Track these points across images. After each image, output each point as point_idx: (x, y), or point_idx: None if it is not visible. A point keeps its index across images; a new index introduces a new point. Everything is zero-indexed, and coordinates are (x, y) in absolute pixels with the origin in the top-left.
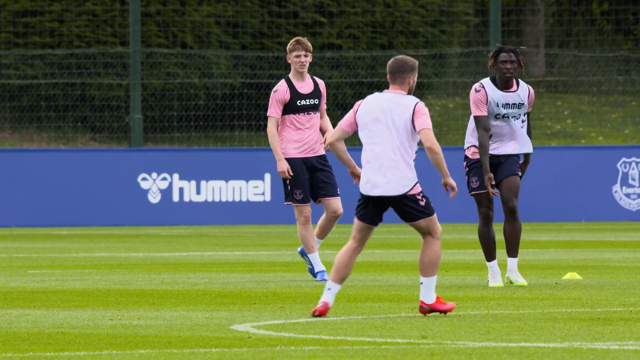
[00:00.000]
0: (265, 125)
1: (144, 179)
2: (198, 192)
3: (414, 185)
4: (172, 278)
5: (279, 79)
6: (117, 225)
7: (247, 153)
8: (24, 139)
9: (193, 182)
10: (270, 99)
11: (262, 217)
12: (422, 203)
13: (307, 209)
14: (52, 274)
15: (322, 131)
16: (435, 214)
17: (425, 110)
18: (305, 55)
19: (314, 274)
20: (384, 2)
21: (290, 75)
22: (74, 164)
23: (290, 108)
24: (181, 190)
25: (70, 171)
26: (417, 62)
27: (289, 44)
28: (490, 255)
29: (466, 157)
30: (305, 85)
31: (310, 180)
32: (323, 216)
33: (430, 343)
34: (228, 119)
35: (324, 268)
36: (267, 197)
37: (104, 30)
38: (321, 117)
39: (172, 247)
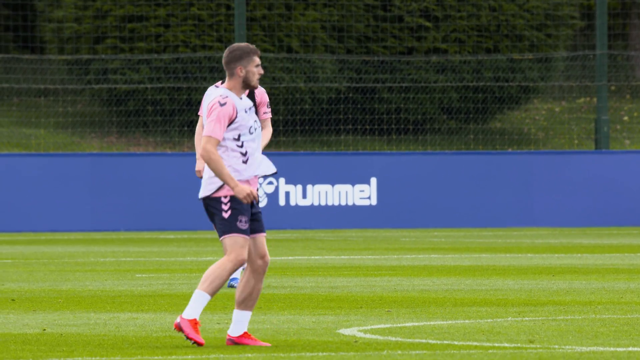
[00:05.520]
0: (370, 130)
1: None
2: (304, 196)
3: (219, 188)
4: (279, 282)
5: (384, 83)
6: None
7: (353, 157)
8: (130, 143)
9: (299, 186)
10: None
11: (368, 221)
12: (225, 215)
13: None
14: (159, 278)
15: None
16: (235, 235)
17: (215, 110)
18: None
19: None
20: (489, 6)
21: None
22: (180, 168)
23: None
24: (287, 194)
25: (176, 175)
26: (249, 49)
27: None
28: None
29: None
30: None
31: None
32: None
33: (538, 347)
34: (334, 123)
35: (237, 276)
36: (373, 201)
37: (210, 35)
38: None
39: (278, 251)
